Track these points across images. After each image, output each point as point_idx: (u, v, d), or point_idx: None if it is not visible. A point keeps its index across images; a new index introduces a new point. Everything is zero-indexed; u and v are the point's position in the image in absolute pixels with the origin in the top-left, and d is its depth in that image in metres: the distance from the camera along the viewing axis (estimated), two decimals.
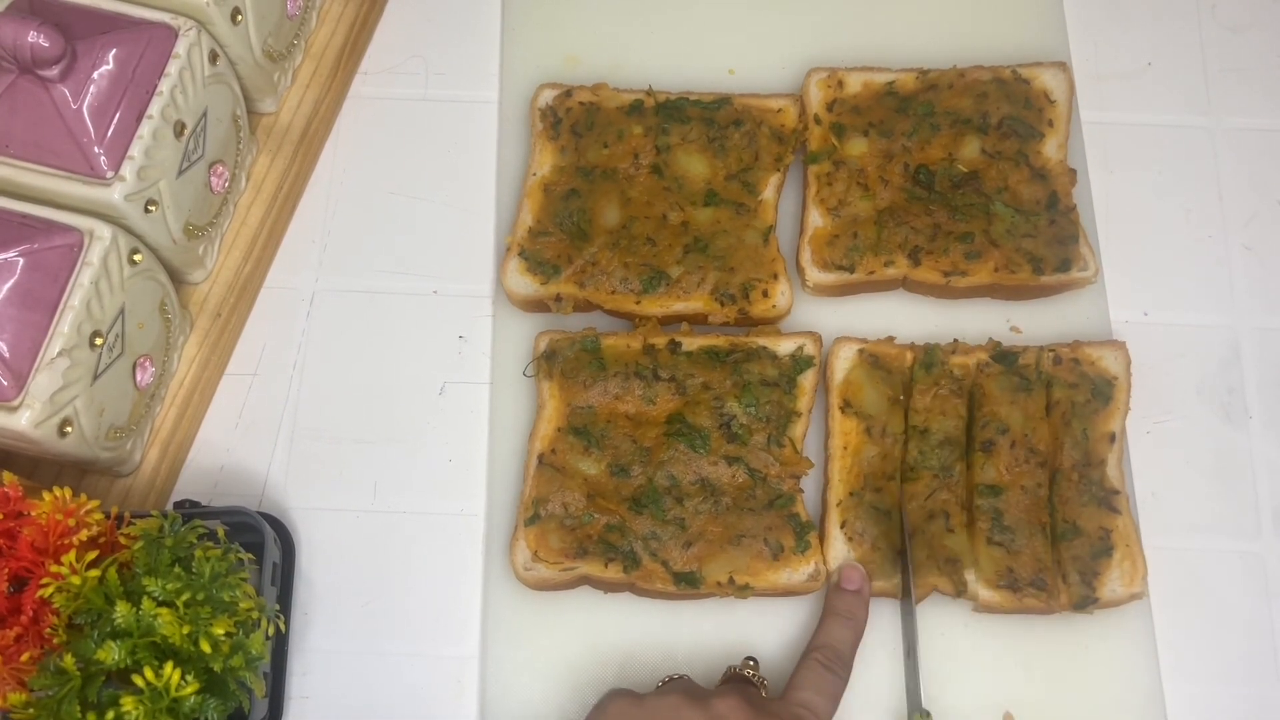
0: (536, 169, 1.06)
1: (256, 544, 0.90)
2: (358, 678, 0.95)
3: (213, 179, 0.99)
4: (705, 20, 1.16)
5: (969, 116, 1.05)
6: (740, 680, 0.89)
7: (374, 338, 1.05)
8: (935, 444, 0.96)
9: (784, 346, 1.00)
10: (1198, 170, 1.11)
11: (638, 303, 1.01)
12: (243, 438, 1.02)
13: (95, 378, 0.88)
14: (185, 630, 0.76)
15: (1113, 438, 0.97)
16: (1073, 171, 1.05)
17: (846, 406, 0.98)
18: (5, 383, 0.83)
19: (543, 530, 0.94)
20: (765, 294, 1.01)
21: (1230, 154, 1.12)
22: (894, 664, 0.95)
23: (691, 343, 0.99)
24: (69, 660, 0.74)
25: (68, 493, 0.80)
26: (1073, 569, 0.93)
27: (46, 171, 0.88)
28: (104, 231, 0.87)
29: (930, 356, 0.99)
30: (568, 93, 1.08)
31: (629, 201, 1.03)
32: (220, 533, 0.84)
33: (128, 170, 0.88)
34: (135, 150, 0.88)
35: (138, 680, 0.74)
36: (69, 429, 0.86)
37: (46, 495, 0.79)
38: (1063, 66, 1.08)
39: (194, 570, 0.79)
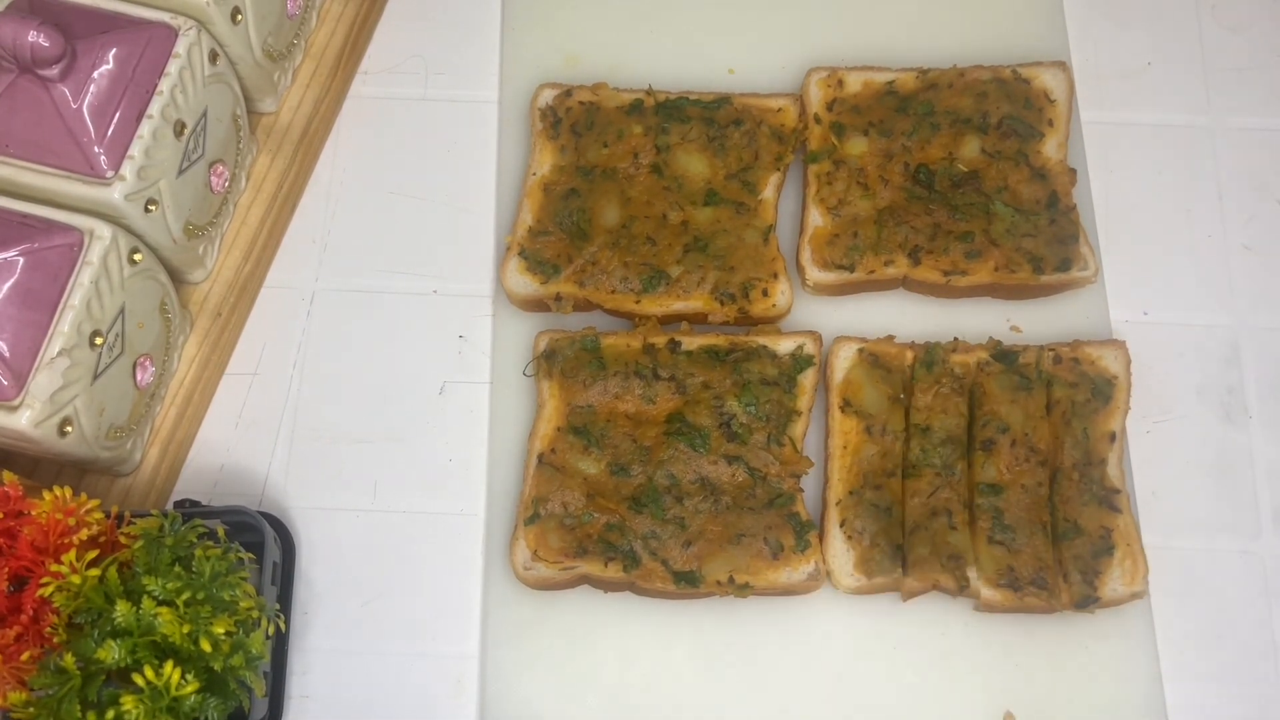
0: (536, 168, 1.06)
1: (256, 543, 0.90)
2: (357, 677, 0.95)
3: (213, 178, 0.99)
4: (705, 20, 1.16)
5: (969, 116, 1.05)
6: None
7: (374, 337, 1.05)
8: (937, 442, 0.96)
9: (784, 345, 1.00)
10: (1198, 170, 1.11)
11: (638, 302, 1.01)
12: (243, 437, 1.02)
13: (95, 377, 0.88)
14: (185, 629, 0.76)
15: (1113, 437, 0.97)
16: (1073, 171, 1.05)
17: (846, 405, 0.98)
18: (5, 382, 0.83)
19: (542, 529, 0.94)
20: (765, 293, 1.01)
21: (1230, 154, 1.12)
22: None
23: (691, 342, 0.99)
24: (69, 659, 0.74)
25: (68, 492, 0.80)
26: (1074, 568, 0.93)
27: (47, 171, 0.88)
28: (104, 231, 0.87)
29: (931, 355, 0.99)
30: (568, 92, 1.08)
31: (629, 201, 1.03)
32: (220, 532, 0.84)
33: (128, 170, 0.88)
34: (135, 150, 0.88)
35: (138, 679, 0.74)
36: (69, 428, 0.86)
37: (47, 494, 0.79)
38: (1063, 66, 1.08)
39: (194, 569, 0.79)
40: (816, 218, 1.04)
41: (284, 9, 1.04)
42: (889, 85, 1.07)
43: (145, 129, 0.89)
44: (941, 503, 0.95)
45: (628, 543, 0.93)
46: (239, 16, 0.97)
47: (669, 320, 1.02)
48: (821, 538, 0.96)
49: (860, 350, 1.00)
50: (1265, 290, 1.08)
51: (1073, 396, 0.98)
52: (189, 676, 0.75)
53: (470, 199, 1.10)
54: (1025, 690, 0.94)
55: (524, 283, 1.02)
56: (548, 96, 1.08)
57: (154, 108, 0.89)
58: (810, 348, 1.00)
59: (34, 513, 0.79)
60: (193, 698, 0.75)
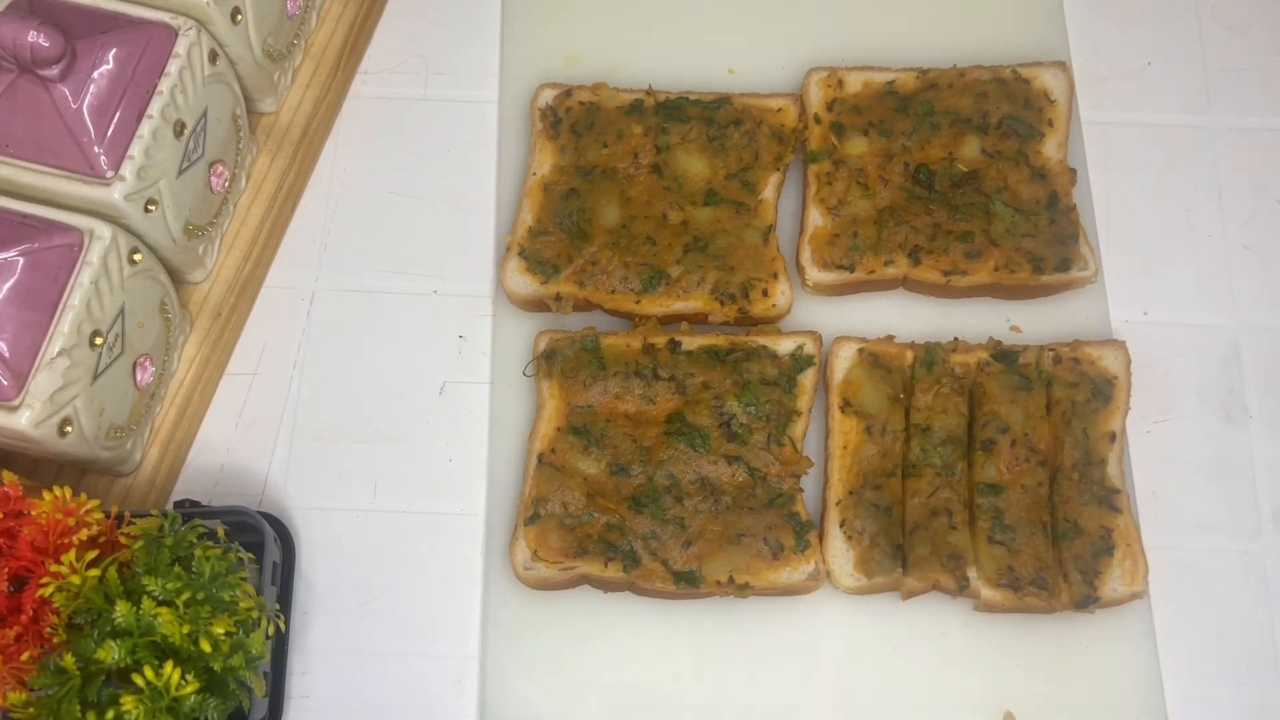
0: (536, 168, 1.06)
1: (256, 543, 0.90)
2: (357, 677, 0.95)
3: (213, 179, 0.99)
4: (705, 20, 1.16)
5: (969, 116, 1.05)
6: None
7: (374, 337, 1.05)
8: (938, 442, 0.96)
9: (784, 346, 1.00)
10: (1198, 170, 1.11)
11: (638, 302, 1.01)
12: (243, 437, 1.02)
13: (95, 377, 0.88)
14: (185, 629, 0.76)
15: (1113, 437, 0.97)
16: (1073, 171, 1.05)
17: (846, 406, 0.98)
18: (5, 382, 0.83)
19: (542, 529, 0.94)
20: (765, 293, 1.01)
21: (1230, 154, 1.12)
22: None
23: (691, 342, 0.99)
24: (69, 659, 0.74)
25: (68, 492, 0.80)
26: (1074, 568, 0.93)
27: (46, 171, 0.88)
28: (104, 231, 0.87)
29: (932, 354, 0.99)
30: (568, 92, 1.08)
31: (629, 201, 1.03)
32: (220, 532, 0.84)
33: (128, 170, 0.88)
34: (135, 150, 0.88)
35: (138, 679, 0.74)
36: (69, 428, 0.86)
37: (46, 495, 0.79)
38: (1063, 66, 1.08)
39: (194, 570, 0.79)
40: (816, 218, 1.04)
41: (284, 9, 1.04)
42: (889, 85, 1.07)
43: (145, 129, 0.89)
44: (942, 502, 0.95)
45: (628, 543, 0.93)
46: (239, 16, 0.97)
47: (669, 320, 1.02)
48: (821, 538, 0.96)
49: (860, 350, 1.00)
50: (1265, 290, 1.08)
51: (1073, 396, 0.98)
52: (189, 677, 0.75)
53: (470, 199, 1.10)
54: (1025, 690, 0.94)
55: (524, 283, 1.02)
56: (548, 96, 1.08)
57: (154, 108, 0.89)
58: (810, 348, 1.00)
59: (34, 513, 0.79)
60: (193, 698, 0.75)
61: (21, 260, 0.83)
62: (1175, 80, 1.15)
